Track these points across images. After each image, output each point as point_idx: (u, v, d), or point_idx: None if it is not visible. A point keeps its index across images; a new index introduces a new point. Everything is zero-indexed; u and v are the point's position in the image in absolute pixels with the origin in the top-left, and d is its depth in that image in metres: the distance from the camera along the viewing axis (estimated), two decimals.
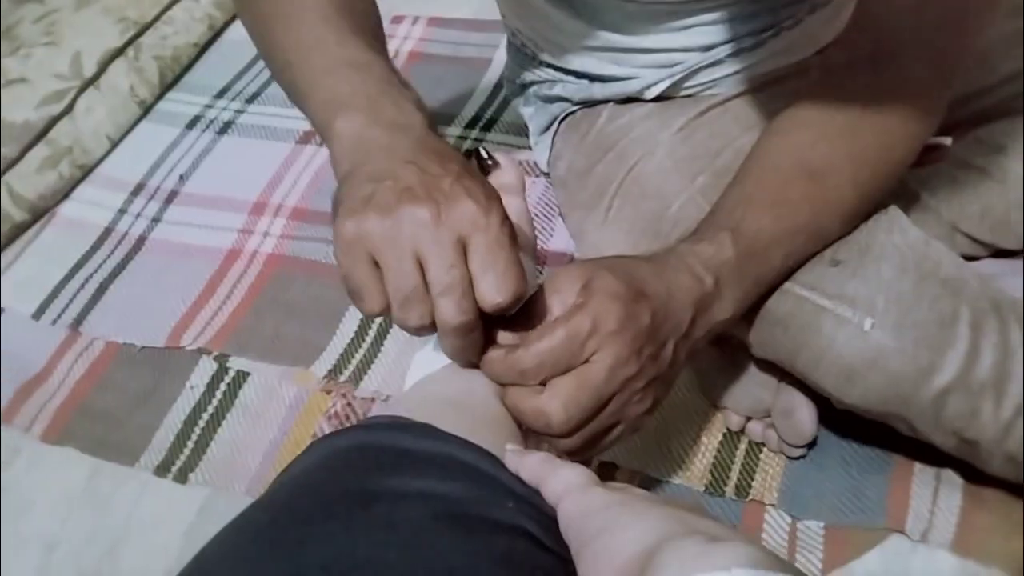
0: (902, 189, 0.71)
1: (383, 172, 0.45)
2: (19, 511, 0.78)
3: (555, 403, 0.45)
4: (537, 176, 0.95)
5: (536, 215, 0.91)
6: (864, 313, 0.56)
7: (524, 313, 0.47)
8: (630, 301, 0.47)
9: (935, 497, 0.65)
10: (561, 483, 0.35)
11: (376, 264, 0.43)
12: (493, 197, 0.44)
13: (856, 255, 0.58)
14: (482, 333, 0.45)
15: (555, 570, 0.33)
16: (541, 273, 0.86)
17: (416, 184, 0.43)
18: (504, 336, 0.47)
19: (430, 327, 0.43)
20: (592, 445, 0.48)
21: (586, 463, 0.59)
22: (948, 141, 0.71)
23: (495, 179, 0.63)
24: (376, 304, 0.44)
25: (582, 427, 0.46)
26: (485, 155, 0.63)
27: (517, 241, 0.45)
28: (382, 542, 0.30)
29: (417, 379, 0.51)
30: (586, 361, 0.46)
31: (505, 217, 0.44)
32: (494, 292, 0.42)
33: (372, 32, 0.58)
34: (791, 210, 0.56)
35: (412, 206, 0.42)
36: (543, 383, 0.47)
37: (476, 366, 0.47)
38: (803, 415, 0.66)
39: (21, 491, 0.79)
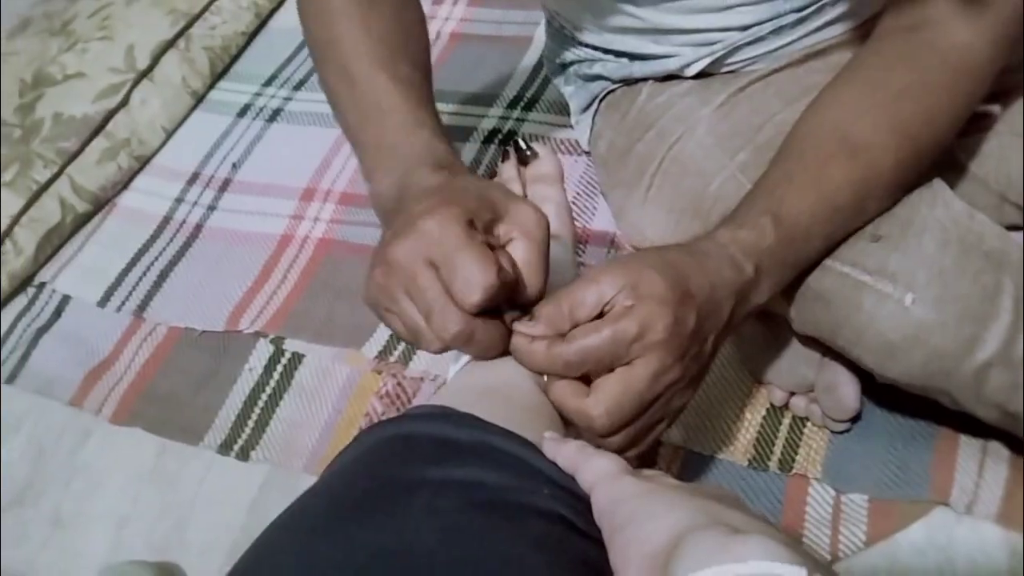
0: (948, 159, 0.70)
1: (383, 238, 0.49)
2: (91, 490, 0.82)
3: (599, 408, 0.46)
4: (579, 155, 0.95)
5: (578, 194, 0.92)
6: (905, 288, 0.55)
7: (561, 302, 0.48)
8: (677, 305, 0.47)
9: (980, 469, 0.65)
10: (593, 471, 0.37)
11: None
12: (446, 202, 0.47)
13: (897, 230, 0.57)
14: (490, 331, 0.47)
15: (589, 553, 0.34)
16: (583, 252, 0.87)
17: (394, 231, 0.47)
18: (534, 327, 0.48)
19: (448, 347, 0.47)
20: (636, 443, 0.49)
21: None
22: (996, 109, 0.70)
23: (534, 169, 0.64)
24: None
25: (625, 428, 0.47)
26: (524, 146, 0.65)
27: (477, 234, 0.47)
28: (424, 528, 0.32)
29: (460, 368, 0.53)
30: (628, 363, 0.47)
31: (472, 217, 0.47)
32: (467, 293, 0.45)
33: (413, 60, 0.62)
34: (833, 190, 0.56)
35: (390, 254, 0.46)
36: (585, 379, 0.48)
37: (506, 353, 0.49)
38: (847, 390, 0.66)
39: (92, 471, 0.83)
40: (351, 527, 0.32)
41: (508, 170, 0.65)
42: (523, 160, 0.63)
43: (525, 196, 0.62)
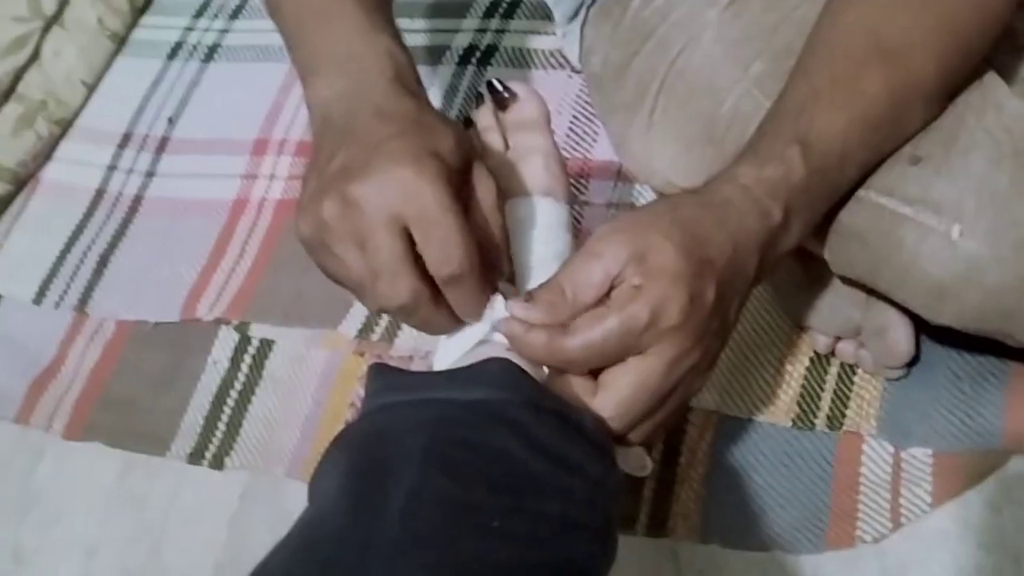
0: (1006, 40, 0.69)
1: (327, 155, 0.49)
2: (52, 518, 0.85)
3: (610, 409, 0.48)
4: (573, 72, 0.95)
5: (575, 118, 0.92)
6: (952, 219, 0.56)
7: (563, 285, 0.49)
8: (692, 278, 0.48)
9: None
10: None
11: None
12: (430, 153, 0.47)
13: (940, 148, 0.57)
14: (439, 309, 0.49)
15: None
16: (585, 189, 0.87)
17: (352, 164, 0.47)
18: (531, 310, 0.49)
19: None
20: (653, 438, 0.51)
21: None
22: None
23: (514, 114, 0.64)
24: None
25: (640, 425, 0.49)
26: (500, 87, 0.65)
27: (456, 196, 0.47)
28: None
29: (451, 358, 0.54)
30: (640, 352, 0.48)
31: (451, 170, 0.48)
32: (441, 263, 0.46)
33: None
34: (868, 104, 0.56)
35: (351, 192, 0.46)
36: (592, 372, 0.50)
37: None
38: (898, 333, 0.67)
39: (51, 496, 0.86)
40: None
41: (484, 117, 0.65)
42: (501, 104, 0.63)
43: (507, 146, 0.63)
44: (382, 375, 0.47)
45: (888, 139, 0.58)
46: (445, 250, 0.46)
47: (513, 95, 0.63)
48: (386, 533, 0.36)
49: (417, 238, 0.47)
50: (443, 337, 0.55)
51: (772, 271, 0.55)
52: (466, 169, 0.50)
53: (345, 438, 0.45)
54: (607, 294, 0.49)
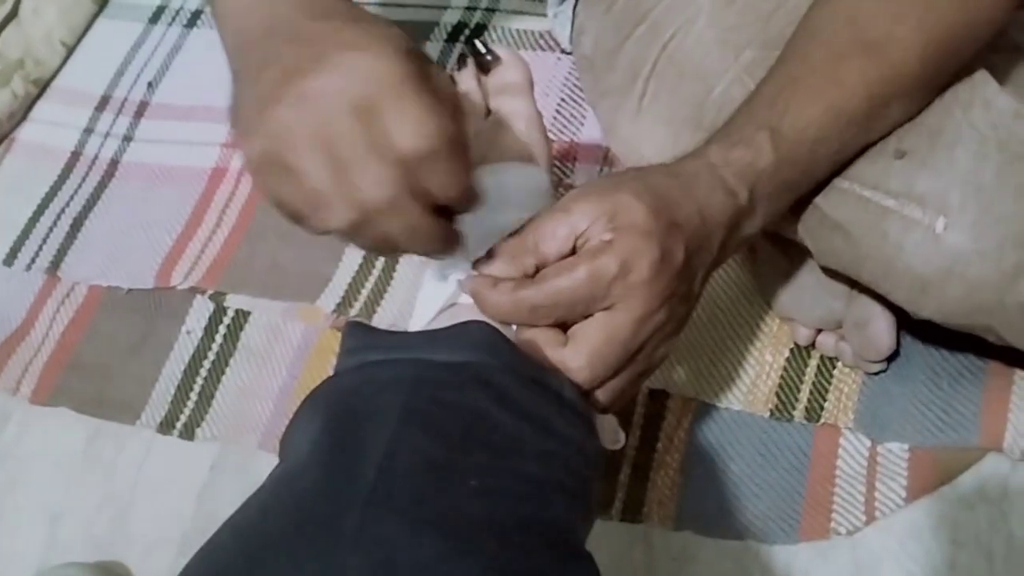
0: (1000, 40, 0.70)
1: (255, 68, 0.44)
2: (16, 481, 0.85)
3: (579, 360, 0.48)
4: (563, 53, 0.95)
5: (563, 101, 0.93)
6: (936, 212, 0.57)
7: (526, 236, 0.50)
8: (663, 237, 0.48)
9: None
10: None
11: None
12: (382, 38, 0.44)
13: (925, 142, 0.58)
14: (415, 212, 0.44)
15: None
16: (571, 172, 0.88)
17: (296, 63, 0.43)
18: (500, 266, 0.50)
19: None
20: (621, 399, 0.51)
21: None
22: None
23: (497, 78, 0.64)
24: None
25: (609, 381, 0.49)
26: (483, 49, 0.64)
27: (433, 81, 0.44)
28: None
29: (423, 323, 0.54)
30: (609, 307, 0.48)
31: (410, 54, 0.43)
32: (417, 138, 0.42)
33: None
34: (844, 96, 0.56)
35: (307, 87, 0.42)
36: (560, 324, 0.50)
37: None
38: (880, 326, 0.68)
39: (16, 459, 0.86)
40: (276, 567, 0.35)
41: (466, 80, 0.65)
42: (483, 67, 0.63)
43: (488, 112, 0.63)
44: (359, 333, 0.46)
45: (865, 131, 0.58)
46: (419, 124, 0.42)
47: (496, 58, 0.63)
48: (362, 487, 0.36)
49: (389, 120, 0.42)
50: (418, 298, 0.55)
51: (736, 251, 0.56)
52: (423, 63, 0.46)
53: (320, 394, 0.45)
54: (573, 251, 0.50)
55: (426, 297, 0.56)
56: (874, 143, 0.59)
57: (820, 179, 0.59)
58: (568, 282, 0.48)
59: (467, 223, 0.48)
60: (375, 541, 0.34)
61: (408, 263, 0.87)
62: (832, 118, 0.56)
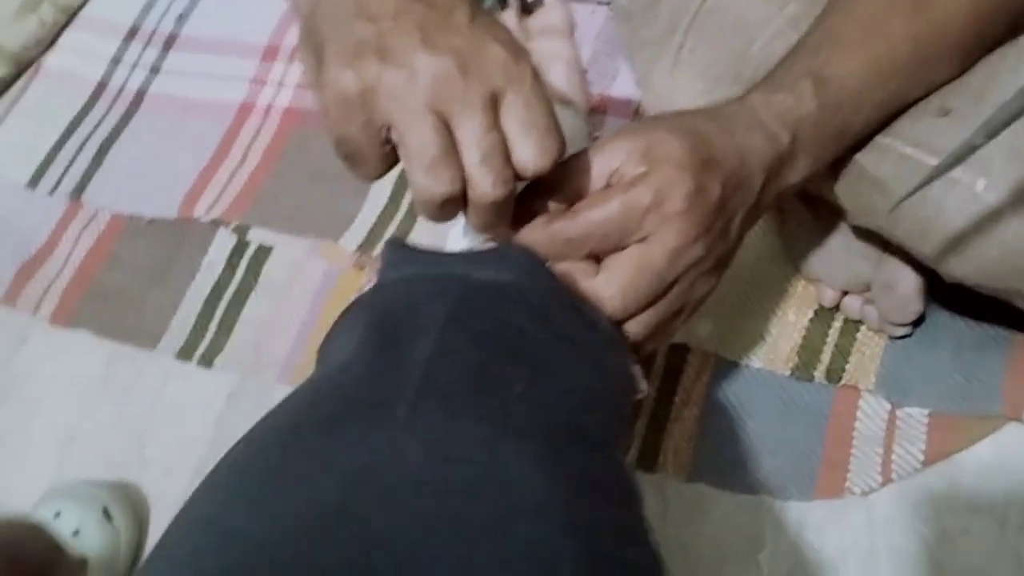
0: None
1: (378, 8, 0.44)
2: (33, 401, 0.86)
3: (611, 288, 0.48)
4: (597, 4, 0.94)
5: (596, 54, 0.91)
6: (977, 172, 0.56)
7: (563, 179, 0.49)
8: (699, 171, 0.48)
9: None
10: None
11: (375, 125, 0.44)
12: (516, 41, 0.45)
13: (970, 101, 0.58)
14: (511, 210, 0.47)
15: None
16: (601, 126, 0.88)
17: (427, 25, 0.43)
18: (538, 207, 0.50)
19: (457, 201, 0.45)
20: (655, 335, 0.51)
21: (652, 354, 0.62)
22: None
23: (539, 20, 0.64)
24: (378, 170, 0.46)
25: (641, 313, 0.50)
26: None
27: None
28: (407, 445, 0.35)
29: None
30: (643, 239, 0.48)
31: (533, 65, 0.45)
32: (537, 155, 0.44)
33: None
34: (889, 48, 0.56)
35: (429, 55, 0.42)
36: (594, 258, 0.50)
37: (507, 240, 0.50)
38: (908, 288, 0.68)
39: (33, 380, 0.87)
40: (327, 441, 0.35)
41: (508, 21, 0.65)
42: (526, 7, 0.63)
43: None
44: (399, 250, 0.46)
45: (909, 87, 0.58)
46: (546, 141, 0.44)
47: (539, 0, 0.63)
48: (411, 380, 0.36)
49: (512, 125, 0.44)
50: (449, 235, 0.55)
51: (777, 201, 0.56)
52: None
53: (361, 303, 0.45)
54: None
55: (457, 235, 0.56)
56: (918, 101, 0.59)
57: (862, 133, 0.59)
58: (601, 213, 0.48)
59: None
60: (428, 426, 0.34)
61: None
62: (876, 70, 0.56)
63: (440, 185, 0.43)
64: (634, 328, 0.50)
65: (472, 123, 0.43)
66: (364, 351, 0.39)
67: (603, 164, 0.50)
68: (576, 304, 0.46)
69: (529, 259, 0.45)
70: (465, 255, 0.48)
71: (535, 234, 0.49)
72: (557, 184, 0.50)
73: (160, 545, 0.35)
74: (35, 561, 0.62)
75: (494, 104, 0.44)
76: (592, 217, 0.48)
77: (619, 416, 0.45)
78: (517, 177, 0.45)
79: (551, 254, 0.49)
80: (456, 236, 0.55)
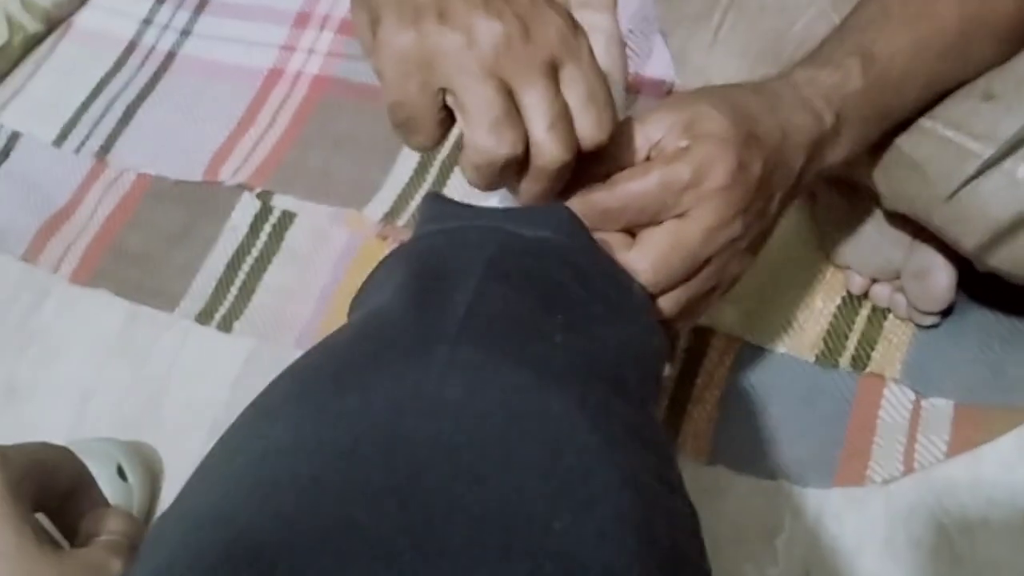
0: None
1: None
2: (49, 358, 0.86)
3: (644, 262, 0.47)
4: None
5: (630, 32, 0.92)
6: (1019, 158, 0.56)
7: (604, 150, 0.49)
8: (740, 147, 0.47)
9: None
10: None
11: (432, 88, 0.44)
12: (570, 13, 0.46)
13: (1013, 86, 0.57)
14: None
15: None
16: (634, 104, 0.87)
17: None
18: (577, 177, 0.49)
19: (514, 166, 0.44)
20: (687, 312, 0.51)
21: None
22: None
23: None
24: (434, 137, 0.46)
25: (674, 289, 0.49)
26: None
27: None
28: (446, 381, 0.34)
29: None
30: (680, 215, 0.48)
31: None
32: (596, 128, 0.44)
33: None
34: (936, 29, 0.55)
35: (491, 19, 0.42)
36: (629, 232, 0.50)
37: None
38: (939, 277, 0.68)
39: (51, 337, 0.87)
40: (368, 376, 0.35)
41: None
42: None
43: None
44: (441, 202, 0.46)
45: (955, 69, 0.58)
46: (605, 114, 0.45)
47: None
48: (451, 323, 0.36)
49: (573, 96, 0.44)
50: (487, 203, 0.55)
51: (818, 178, 0.55)
52: None
53: (399, 253, 0.44)
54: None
55: (492, 202, 0.56)
56: (962, 85, 0.58)
57: (905, 114, 0.58)
58: (640, 187, 0.47)
59: None
60: (469, 366, 0.34)
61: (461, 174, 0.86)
62: (923, 50, 0.55)
63: (503, 146, 0.43)
64: (665, 304, 0.50)
65: (538, 89, 0.43)
66: (403, 294, 0.39)
67: (644, 136, 0.49)
68: (612, 268, 0.45)
69: (569, 219, 0.45)
70: (506, 210, 0.47)
71: (572, 204, 0.48)
72: (597, 155, 0.49)
73: (201, 467, 0.35)
74: (65, 483, 0.63)
75: (554, 73, 0.44)
76: (630, 190, 0.48)
77: (656, 378, 0.44)
78: None
79: (587, 223, 0.49)
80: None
